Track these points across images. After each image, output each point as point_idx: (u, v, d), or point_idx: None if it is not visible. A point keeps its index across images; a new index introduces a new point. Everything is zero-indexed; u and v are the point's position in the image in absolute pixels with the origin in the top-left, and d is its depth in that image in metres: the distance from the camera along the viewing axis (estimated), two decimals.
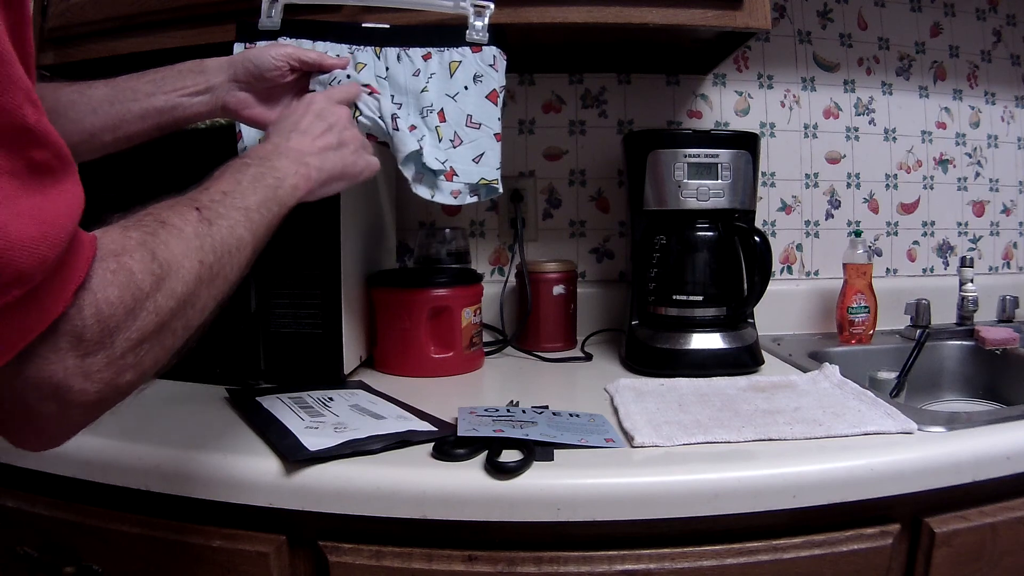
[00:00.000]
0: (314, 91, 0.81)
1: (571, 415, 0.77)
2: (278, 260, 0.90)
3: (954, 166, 1.40)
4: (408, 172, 0.86)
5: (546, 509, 0.61)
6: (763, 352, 1.05)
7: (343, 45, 0.86)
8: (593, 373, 1.04)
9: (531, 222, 1.31)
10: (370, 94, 0.83)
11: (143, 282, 0.40)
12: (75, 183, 0.37)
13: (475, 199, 0.89)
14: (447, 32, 0.88)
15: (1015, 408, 0.81)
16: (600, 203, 1.33)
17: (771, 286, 1.00)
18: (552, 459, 0.65)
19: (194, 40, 0.97)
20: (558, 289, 1.16)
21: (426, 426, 0.74)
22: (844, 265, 1.24)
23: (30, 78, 0.34)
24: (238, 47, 0.86)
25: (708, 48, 1.15)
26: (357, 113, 0.82)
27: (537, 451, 0.66)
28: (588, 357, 1.12)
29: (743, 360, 1.00)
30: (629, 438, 0.70)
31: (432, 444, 0.67)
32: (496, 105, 0.88)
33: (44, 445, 0.41)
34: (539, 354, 1.14)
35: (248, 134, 0.87)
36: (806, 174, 1.35)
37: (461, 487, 0.62)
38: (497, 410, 0.78)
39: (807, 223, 1.36)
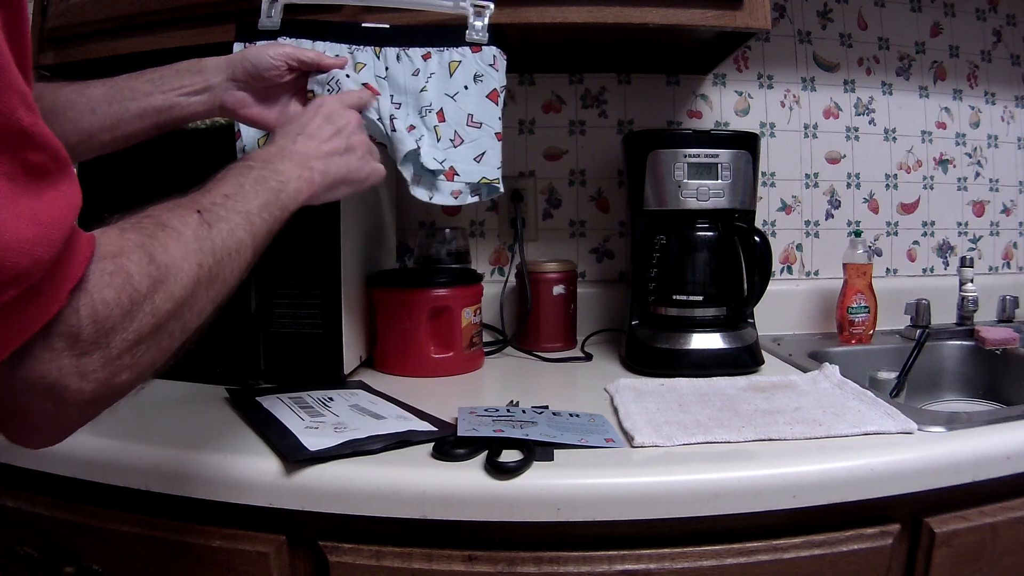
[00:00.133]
0: (312, 91, 0.81)
1: (571, 415, 0.77)
2: (278, 260, 0.90)
3: (954, 166, 1.40)
4: (407, 173, 0.86)
5: (546, 509, 0.61)
6: (763, 352, 1.05)
7: (343, 45, 0.86)
8: (593, 373, 1.04)
9: (531, 222, 1.31)
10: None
11: (140, 284, 0.40)
12: (72, 184, 0.37)
13: (476, 199, 0.89)
14: (447, 32, 0.88)
15: (1015, 408, 0.81)
16: (600, 203, 1.33)
17: (771, 286, 1.00)
18: (552, 459, 0.65)
19: (194, 40, 0.97)
20: (558, 289, 1.16)
21: (426, 426, 0.74)
22: (844, 265, 1.24)
23: (27, 80, 0.34)
24: (238, 47, 0.86)
25: (708, 48, 1.15)
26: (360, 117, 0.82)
27: (537, 451, 0.66)
28: (588, 357, 1.12)
29: (743, 360, 1.00)
30: (629, 438, 0.70)
31: (432, 444, 0.67)
32: (497, 104, 0.88)
33: (41, 443, 0.41)
34: (539, 354, 1.14)
35: (247, 133, 0.87)
36: (806, 174, 1.35)
37: (461, 487, 0.62)
38: (497, 410, 0.77)
39: (807, 223, 1.36)
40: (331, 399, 0.82)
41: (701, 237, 1.03)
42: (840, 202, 1.36)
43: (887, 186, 1.38)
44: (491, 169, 0.88)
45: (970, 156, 1.41)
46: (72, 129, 0.69)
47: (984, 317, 1.28)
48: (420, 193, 0.87)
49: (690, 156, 1.02)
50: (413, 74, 0.87)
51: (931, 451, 0.67)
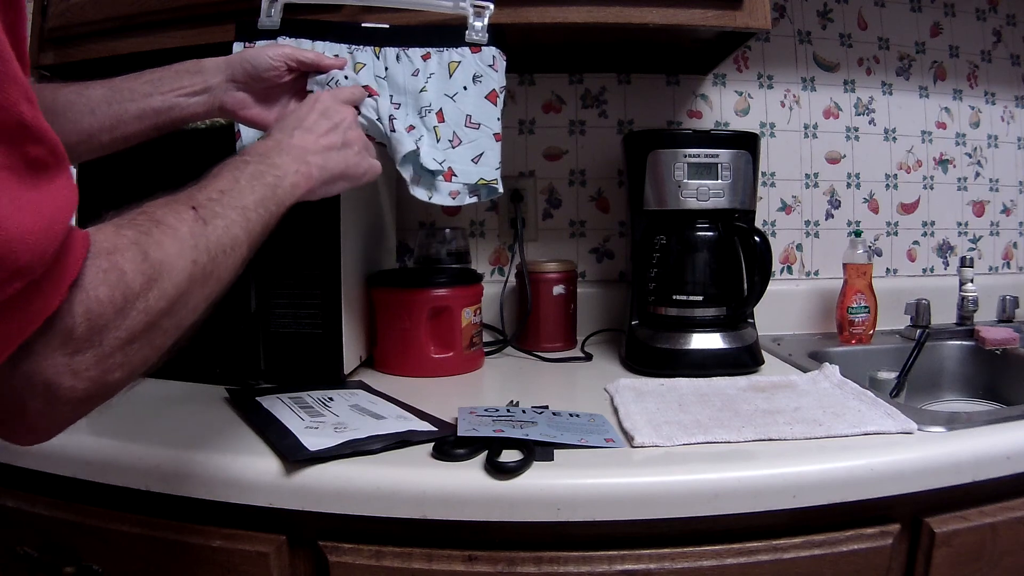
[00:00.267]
0: (311, 91, 0.81)
1: (571, 415, 0.77)
2: (278, 260, 0.90)
3: (954, 166, 1.40)
4: (406, 173, 0.86)
5: (546, 509, 0.61)
6: (763, 352, 1.05)
7: (342, 45, 0.86)
8: (593, 373, 1.04)
9: (531, 222, 1.31)
10: (368, 95, 0.83)
11: (134, 282, 0.40)
12: (68, 180, 0.37)
13: (474, 199, 0.89)
14: (447, 32, 0.88)
15: (1015, 408, 0.81)
16: (600, 203, 1.33)
17: (771, 286, 1.00)
18: (552, 459, 0.65)
19: (194, 40, 0.97)
20: (558, 289, 1.16)
21: (426, 426, 0.74)
22: (844, 265, 1.24)
23: (26, 73, 0.34)
24: (237, 47, 0.86)
25: (708, 48, 1.15)
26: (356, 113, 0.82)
27: (537, 451, 0.66)
28: (588, 357, 1.12)
29: (743, 360, 1.00)
30: (629, 438, 0.70)
31: (432, 444, 0.67)
32: (496, 105, 0.88)
33: (33, 440, 0.41)
34: (539, 354, 1.14)
35: (247, 133, 0.87)
36: (806, 174, 1.35)
37: (461, 487, 0.62)
38: (497, 410, 0.77)
39: (807, 223, 1.36)
40: (331, 399, 0.82)
41: (701, 237, 1.03)
42: (840, 202, 1.36)
43: (887, 186, 1.38)
44: (489, 170, 0.88)
45: (970, 156, 1.41)
46: (71, 129, 0.69)
47: (984, 317, 1.28)
48: (419, 193, 0.87)
49: (690, 156, 1.02)
50: (412, 74, 0.87)
51: (931, 451, 0.67)
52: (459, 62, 0.87)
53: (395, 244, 1.26)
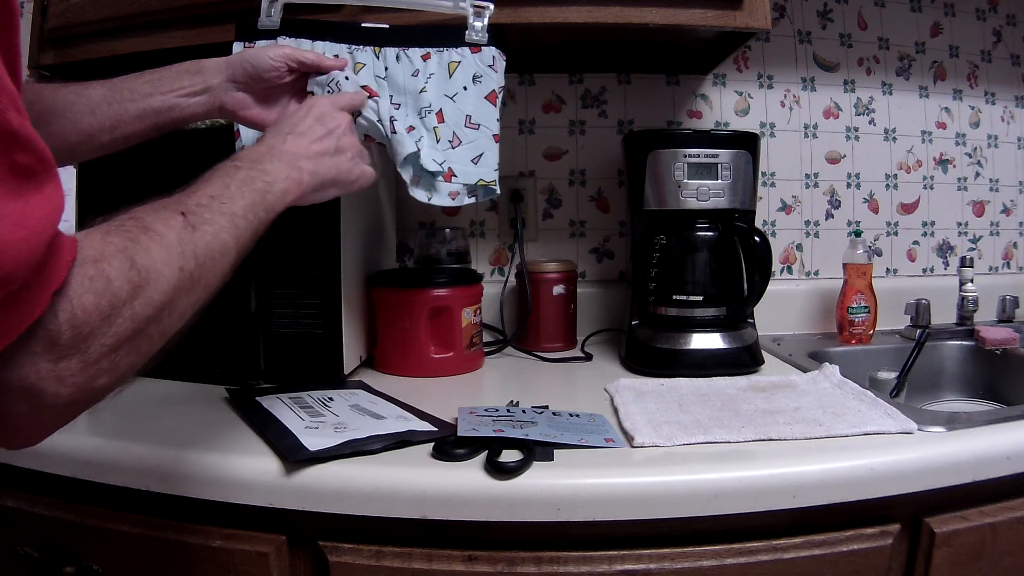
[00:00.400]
0: (312, 92, 0.81)
1: (571, 415, 0.77)
2: (278, 260, 0.90)
3: (954, 166, 1.40)
4: (406, 175, 0.86)
5: (546, 509, 0.61)
6: (763, 352, 1.05)
7: (342, 45, 0.86)
8: (593, 373, 1.04)
9: (531, 222, 1.31)
10: (368, 97, 0.83)
11: (120, 289, 0.40)
12: (56, 187, 0.37)
13: (473, 200, 0.89)
14: (447, 32, 0.88)
15: (1015, 408, 0.81)
16: (600, 203, 1.33)
17: (771, 286, 1.00)
18: (552, 459, 0.65)
19: (194, 40, 0.97)
20: (558, 289, 1.16)
21: (426, 426, 0.74)
22: (844, 265, 1.24)
23: (17, 82, 0.34)
24: (237, 47, 0.86)
25: (708, 48, 1.15)
26: (356, 114, 0.82)
27: (537, 451, 0.66)
28: (588, 357, 1.12)
29: (743, 360, 1.00)
30: (629, 438, 0.70)
31: (432, 444, 0.67)
32: (495, 106, 0.88)
33: (19, 444, 0.41)
34: (539, 354, 1.14)
35: (246, 134, 0.87)
36: (806, 174, 1.35)
37: (461, 487, 0.62)
38: (497, 410, 0.77)
39: (807, 223, 1.36)
40: (331, 399, 0.82)
41: (701, 237, 1.03)
42: (840, 202, 1.36)
43: (887, 186, 1.38)
44: (488, 171, 0.88)
45: (970, 156, 1.41)
46: (72, 129, 0.69)
47: (984, 317, 1.28)
48: (419, 194, 0.87)
49: (690, 156, 1.02)
50: (412, 75, 0.87)
51: (931, 451, 0.67)
52: (459, 62, 0.87)
53: (395, 244, 1.26)
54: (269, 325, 0.92)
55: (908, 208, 1.39)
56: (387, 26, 0.88)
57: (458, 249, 1.16)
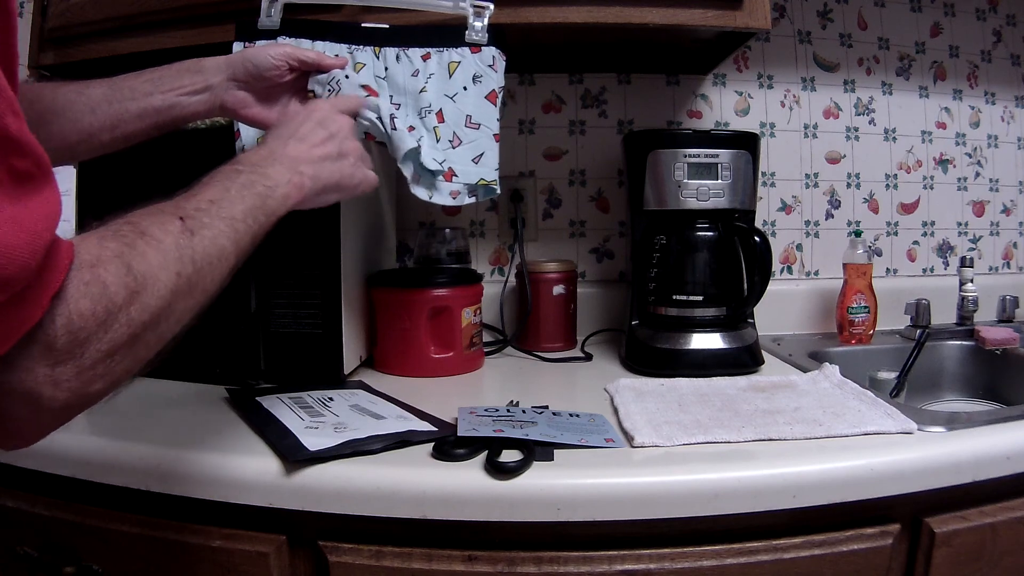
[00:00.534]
0: (312, 91, 0.81)
1: (571, 415, 0.77)
2: (278, 260, 0.90)
3: (954, 166, 1.40)
4: (407, 171, 0.86)
5: (546, 509, 0.61)
6: (763, 352, 1.05)
7: (342, 45, 0.86)
8: (593, 373, 1.04)
9: (531, 222, 1.31)
10: (367, 96, 0.83)
11: (116, 295, 0.40)
12: (53, 191, 0.37)
13: (473, 200, 0.89)
14: (447, 32, 0.88)
15: (1015, 408, 0.81)
16: (600, 203, 1.33)
17: (771, 286, 1.00)
18: (552, 459, 0.65)
19: (194, 40, 0.97)
20: (558, 289, 1.16)
21: (426, 426, 0.74)
22: (844, 265, 1.24)
23: (14, 86, 0.34)
24: (237, 46, 0.86)
25: (708, 48, 1.15)
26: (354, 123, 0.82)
27: (537, 451, 0.66)
28: (588, 357, 1.12)
29: (743, 360, 1.00)
30: (629, 438, 0.70)
31: (432, 444, 0.67)
32: (495, 106, 0.88)
33: (15, 445, 0.41)
34: (539, 354, 1.14)
35: (246, 133, 0.87)
36: (806, 174, 1.35)
37: (461, 487, 0.62)
38: (497, 410, 0.77)
39: (807, 223, 1.36)
40: (331, 399, 0.82)
41: (701, 237, 1.03)
42: (840, 202, 1.36)
43: (887, 186, 1.38)
44: (489, 171, 0.88)
45: (970, 156, 1.41)
46: (72, 129, 0.69)
47: (984, 317, 1.28)
48: (420, 192, 0.87)
49: (690, 156, 1.02)
50: (412, 75, 0.87)
51: (931, 451, 0.67)
52: (459, 62, 0.87)
53: (395, 244, 1.26)
54: (269, 325, 0.92)
55: (908, 208, 1.39)
56: (387, 26, 0.88)
57: (458, 249, 1.16)
